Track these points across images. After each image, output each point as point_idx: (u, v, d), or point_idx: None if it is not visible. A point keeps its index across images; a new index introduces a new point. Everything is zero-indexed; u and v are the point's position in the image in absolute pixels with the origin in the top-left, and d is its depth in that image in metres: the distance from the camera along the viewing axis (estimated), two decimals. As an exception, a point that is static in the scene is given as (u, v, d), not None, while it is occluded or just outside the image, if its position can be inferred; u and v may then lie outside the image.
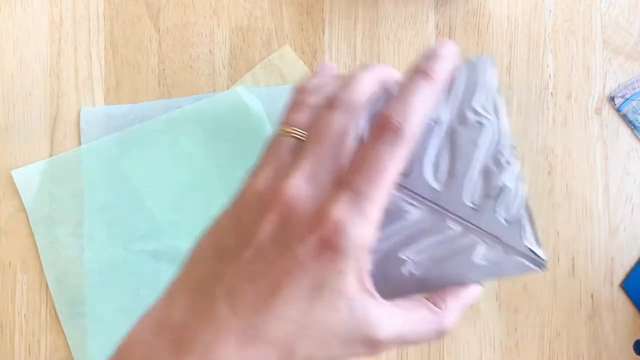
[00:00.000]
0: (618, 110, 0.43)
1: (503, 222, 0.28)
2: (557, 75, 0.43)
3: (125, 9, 0.43)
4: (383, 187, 0.25)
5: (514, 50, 0.43)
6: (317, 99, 0.28)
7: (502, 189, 0.28)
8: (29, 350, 0.42)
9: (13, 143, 0.42)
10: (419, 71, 0.27)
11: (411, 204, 0.27)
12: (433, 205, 0.27)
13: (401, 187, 0.27)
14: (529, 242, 0.28)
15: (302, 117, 0.27)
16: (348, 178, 0.25)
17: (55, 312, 0.42)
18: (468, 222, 0.28)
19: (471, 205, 0.28)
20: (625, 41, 0.44)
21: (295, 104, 0.28)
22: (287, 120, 0.28)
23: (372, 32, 0.43)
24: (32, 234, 0.42)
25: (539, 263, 0.28)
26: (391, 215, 0.27)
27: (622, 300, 0.43)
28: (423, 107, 0.26)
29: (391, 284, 0.27)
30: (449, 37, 0.43)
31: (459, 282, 0.28)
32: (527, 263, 0.28)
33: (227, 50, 0.43)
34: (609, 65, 0.43)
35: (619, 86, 0.43)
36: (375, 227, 0.25)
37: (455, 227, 0.27)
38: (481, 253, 0.28)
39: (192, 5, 0.43)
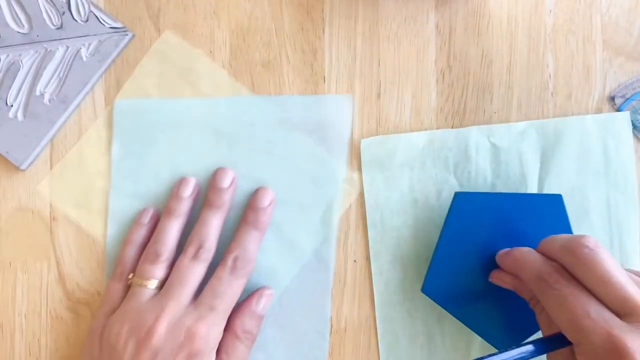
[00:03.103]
0: (618, 110, 0.43)
1: (82, 23, 0.39)
2: (557, 75, 0.43)
3: (125, 9, 0.43)
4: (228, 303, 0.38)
5: (514, 50, 0.43)
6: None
7: (68, 2, 0.38)
8: (29, 350, 0.42)
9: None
10: (249, 222, 0.40)
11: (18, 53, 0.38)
12: (31, 43, 0.37)
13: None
14: (108, 23, 0.40)
15: (158, 271, 0.39)
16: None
17: (56, 311, 0.42)
18: (62, 39, 0.39)
19: (55, 27, 0.38)
20: (626, 41, 0.44)
21: (147, 258, 0.39)
22: (142, 274, 0.39)
23: (372, 32, 0.43)
24: (32, 234, 0.42)
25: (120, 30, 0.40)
26: (11, 74, 0.40)
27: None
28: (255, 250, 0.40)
29: None
30: (449, 38, 0.43)
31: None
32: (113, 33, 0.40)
33: (227, 51, 0.43)
34: (609, 65, 0.43)
35: (619, 86, 0.43)
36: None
37: (59, 48, 0.37)
38: (87, 52, 0.40)
39: (192, 5, 0.43)
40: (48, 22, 0.41)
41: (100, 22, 0.42)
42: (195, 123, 0.42)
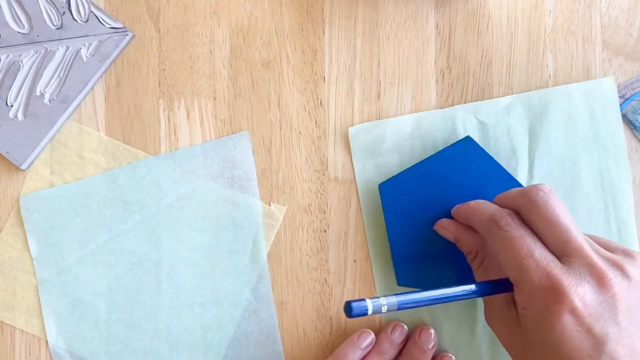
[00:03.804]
0: (618, 111, 0.43)
1: (82, 23, 0.39)
2: (556, 75, 0.43)
3: (126, 9, 0.43)
4: None
5: (514, 50, 0.43)
6: None
7: (68, 2, 0.38)
8: (30, 350, 0.42)
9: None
10: None
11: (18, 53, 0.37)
12: (31, 43, 0.36)
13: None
14: (108, 23, 0.40)
15: None
16: None
17: (56, 312, 0.42)
18: (62, 39, 0.39)
19: (55, 27, 0.38)
20: (625, 41, 0.44)
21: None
22: None
23: (372, 33, 0.43)
24: None
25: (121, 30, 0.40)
26: (11, 74, 0.40)
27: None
28: None
29: None
30: (449, 38, 0.43)
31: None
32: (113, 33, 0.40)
33: (227, 51, 0.43)
34: (609, 65, 0.44)
35: (618, 86, 0.43)
36: None
37: (59, 48, 0.38)
38: (87, 52, 0.40)
39: (192, 5, 0.43)
40: (48, 22, 0.41)
41: (100, 22, 0.42)
42: (102, 199, 0.42)
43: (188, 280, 0.42)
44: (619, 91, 0.43)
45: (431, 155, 0.41)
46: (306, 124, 0.43)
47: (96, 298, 0.42)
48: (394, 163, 0.42)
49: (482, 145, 0.42)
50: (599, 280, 0.31)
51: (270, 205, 0.43)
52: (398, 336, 0.41)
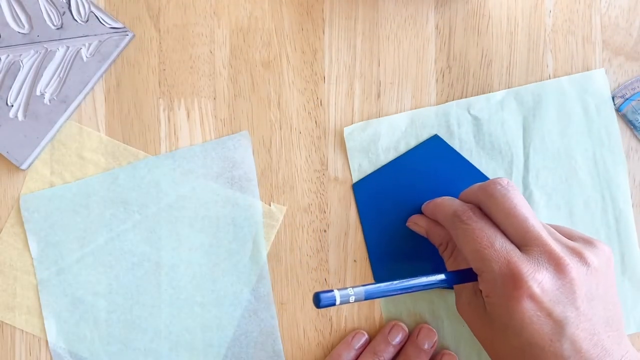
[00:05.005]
0: (618, 111, 0.43)
1: (82, 23, 0.39)
2: (557, 75, 0.43)
3: (126, 9, 0.43)
4: None
5: (514, 50, 0.43)
6: None
7: (68, 2, 0.38)
8: (30, 350, 0.42)
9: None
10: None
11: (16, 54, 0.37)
12: (31, 44, 0.36)
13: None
14: (108, 24, 0.40)
15: None
16: None
17: (56, 312, 0.42)
18: (62, 39, 0.39)
19: (55, 27, 0.38)
20: (625, 41, 0.44)
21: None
22: None
23: (372, 33, 0.43)
24: (32, 234, 0.42)
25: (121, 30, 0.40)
26: (11, 74, 0.40)
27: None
28: None
29: None
30: (449, 38, 0.43)
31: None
32: (112, 33, 0.40)
33: (227, 51, 0.43)
34: (609, 65, 0.44)
35: (618, 86, 0.43)
36: None
37: (59, 48, 0.38)
38: (87, 52, 0.40)
39: (192, 5, 0.43)
40: (48, 22, 0.41)
41: (100, 22, 0.42)
42: (102, 199, 0.42)
43: (188, 280, 0.42)
44: (618, 91, 0.43)
45: (402, 154, 0.42)
46: (306, 124, 0.43)
47: (96, 298, 0.42)
48: (389, 161, 0.43)
49: (476, 141, 0.42)
50: (557, 266, 0.32)
51: (270, 205, 0.43)
52: (395, 336, 0.41)
